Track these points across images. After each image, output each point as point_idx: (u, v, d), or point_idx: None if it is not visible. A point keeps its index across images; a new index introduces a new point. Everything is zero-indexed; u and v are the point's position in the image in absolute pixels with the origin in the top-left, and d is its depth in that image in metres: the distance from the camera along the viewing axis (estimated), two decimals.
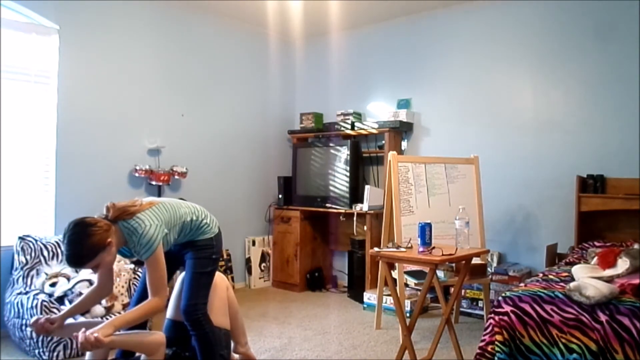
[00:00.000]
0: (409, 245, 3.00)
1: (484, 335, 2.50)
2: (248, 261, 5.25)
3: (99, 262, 2.14)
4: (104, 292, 2.42)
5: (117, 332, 2.15)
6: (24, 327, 3.15)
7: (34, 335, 3.04)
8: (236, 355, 2.81)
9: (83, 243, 2.08)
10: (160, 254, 2.24)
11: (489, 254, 4.10)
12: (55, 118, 3.89)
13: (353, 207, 4.69)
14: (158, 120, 4.55)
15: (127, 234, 2.20)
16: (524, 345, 2.39)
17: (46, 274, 3.35)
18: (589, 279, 2.48)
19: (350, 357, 3.23)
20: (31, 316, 3.09)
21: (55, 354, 3.01)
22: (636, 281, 2.43)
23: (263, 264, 5.31)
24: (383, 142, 4.80)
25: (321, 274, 5.21)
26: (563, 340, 2.30)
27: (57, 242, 3.60)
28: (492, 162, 4.32)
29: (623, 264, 2.63)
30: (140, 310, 2.24)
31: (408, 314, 3.82)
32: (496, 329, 2.45)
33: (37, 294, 3.19)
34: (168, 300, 2.46)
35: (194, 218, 2.46)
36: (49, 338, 2.97)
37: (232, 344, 2.77)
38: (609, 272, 2.62)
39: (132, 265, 3.65)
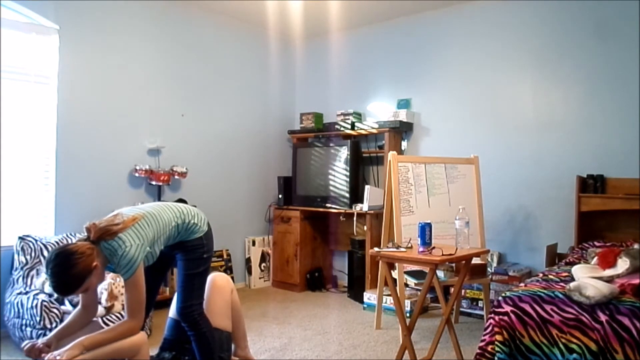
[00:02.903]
0: (409, 245, 3.00)
1: (484, 335, 2.50)
2: (248, 261, 5.25)
3: (87, 286, 2.11)
4: (89, 315, 2.34)
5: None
6: (24, 327, 3.15)
7: (34, 335, 3.04)
8: (236, 359, 2.81)
9: (68, 273, 2.03)
10: (140, 276, 2.19)
11: (489, 254, 4.10)
12: (55, 118, 3.89)
13: (353, 207, 4.69)
14: (158, 120, 4.55)
15: (109, 255, 2.15)
16: (524, 345, 2.39)
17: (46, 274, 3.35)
18: (589, 279, 2.48)
19: (350, 357, 3.23)
20: (31, 316, 3.09)
21: None
22: (636, 281, 2.43)
23: (263, 264, 5.31)
24: (383, 142, 4.80)
25: (321, 274, 5.20)
26: (563, 340, 2.29)
27: (57, 242, 3.59)
28: (492, 162, 4.32)
29: (623, 264, 2.63)
30: (113, 331, 2.19)
31: (408, 314, 3.82)
32: (496, 329, 2.45)
33: (37, 294, 3.19)
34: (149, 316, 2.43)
35: (180, 222, 2.40)
36: None
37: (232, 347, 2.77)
38: (609, 272, 2.62)
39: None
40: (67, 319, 2.34)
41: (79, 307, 2.33)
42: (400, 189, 3.67)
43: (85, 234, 2.16)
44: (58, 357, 1.98)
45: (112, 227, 2.16)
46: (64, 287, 2.08)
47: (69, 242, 2.15)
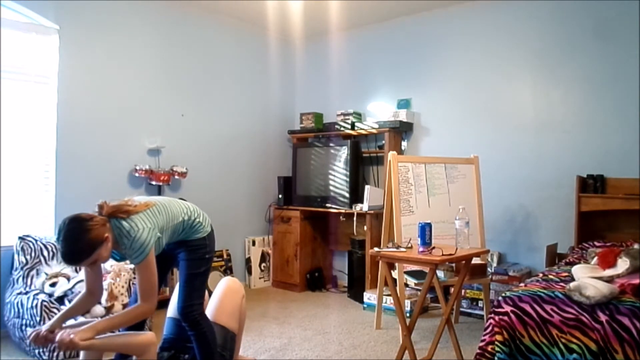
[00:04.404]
0: (409, 245, 3.00)
1: (484, 335, 2.50)
2: (248, 261, 5.25)
3: (96, 257, 2.09)
4: (93, 300, 2.35)
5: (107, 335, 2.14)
6: (24, 327, 3.15)
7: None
8: None
9: (81, 238, 2.02)
10: (152, 259, 2.19)
11: (489, 254, 4.10)
12: (55, 118, 3.89)
13: (353, 207, 4.69)
14: (158, 120, 4.55)
15: (118, 235, 2.14)
16: (524, 345, 2.39)
17: (46, 274, 3.35)
18: (589, 279, 2.48)
19: (350, 357, 3.23)
20: (31, 316, 3.09)
21: (55, 354, 3.00)
22: (636, 281, 2.43)
23: (263, 264, 5.31)
24: (383, 142, 4.80)
25: (321, 274, 5.21)
26: (563, 340, 2.30)
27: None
28: (492, 162, 4.32)
29: (623, 264, 2.63)
30: (127, 315, 2.20)
31: (408, 314, 3.82)
32: (496, 329, 2.45)
33: (37, 294, 3.19)
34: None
35: (186, 218, 2.41)
36: None
37: None
38: (609, 272, 2.62)
39: (133, 265, 3.65)
40: (72, 303, 2.35)
41: (83, 291, 2.33)
42: (400, 189, 3.67)
43: (97, 210, 2.16)
44: (72, 336, 1.99)
45: (124, 206, 2.17)
46: (75, 254, 2.06)
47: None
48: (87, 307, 2.34)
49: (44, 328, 2.16)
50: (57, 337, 1.99)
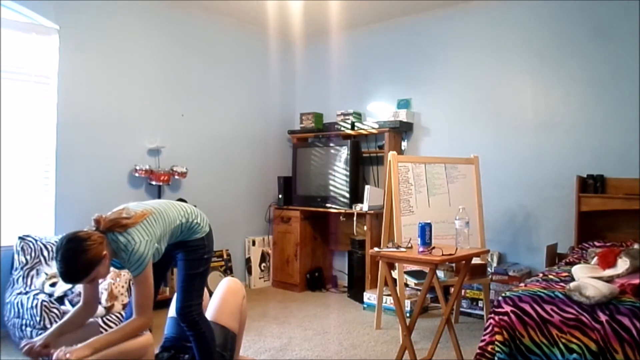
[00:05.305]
0: (409, 245, 3.00)
1: (484, 335, 2.50)
2: (248, 261, 5.25)
3: (95, 276, 2.09)
4: (90, 311, 2.34)
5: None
6: (24, 327, 3.15)
7: (34, 335, 3.04)
8: None
9: (79, 259, 2.01)
10: (149, 272, 2.19)
11: (489, 254, 4.10)
12: (55, 118, 3.89)
13: (353, 207, 4.69)
14: (158, 120, 4.55)
15: (116, 248, 2.13)
16: (524, 345, 2.39)
17: (46, 274, 3.35)
18: (589, 279, 2.48)
19: (350, 357, 3.23)
20: (31, 316, 3.09)
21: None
22: (636, 281, 2.43)
23: (263, 264, 5.31)
24: (383, 142, 4.80)
25: (321, 274, 5.20)
26: (563, 340, 2.30)
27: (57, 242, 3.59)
28: (492, 162, 4.32)
29: (623, 264, 2.63)
30: (124, 330, 2.19)
31: (408, 314, 3.82)
32: (496, 329, 2.45)
33: (37, 294, 3.19)
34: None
35: (184, 221, 2.40)
36: None
37: None
38: (609, 272, 2.62)
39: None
40: (68, 315, 2.33)
41: (80, 303, 2.32)
42: (400, 189, 3.67)
43: (94, 225, 2.15)
44: (68, 356, 1.98)
45: (121, 220, 2.15)
46: (73, 273, 2.05)
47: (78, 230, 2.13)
48: (84, 319, 2.32)
49: (37, 342, 2.14)
50: (54, 357, 1.98)
